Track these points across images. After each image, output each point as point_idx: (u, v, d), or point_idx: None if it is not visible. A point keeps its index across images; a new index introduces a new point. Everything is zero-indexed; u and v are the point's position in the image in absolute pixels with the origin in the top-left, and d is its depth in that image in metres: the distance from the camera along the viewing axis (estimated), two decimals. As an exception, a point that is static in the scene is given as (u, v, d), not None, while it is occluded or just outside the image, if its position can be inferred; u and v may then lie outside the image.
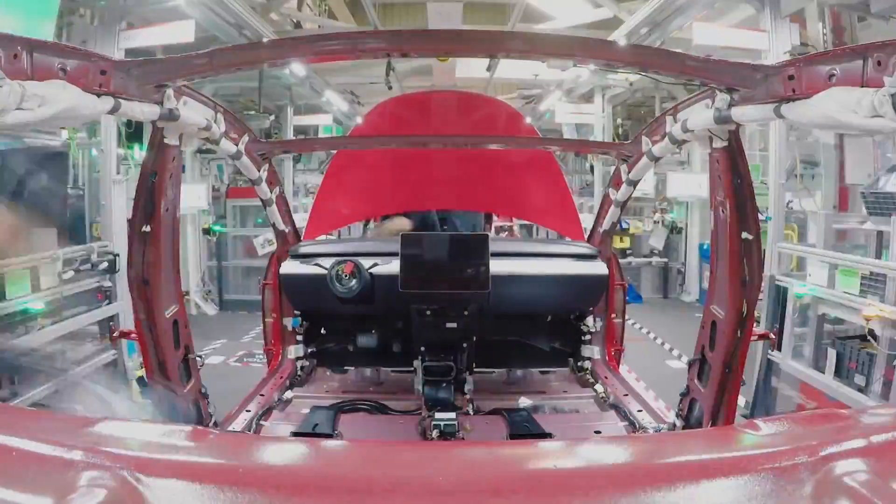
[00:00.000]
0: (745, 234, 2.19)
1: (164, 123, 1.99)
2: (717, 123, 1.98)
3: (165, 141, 2.12)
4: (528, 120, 9.95)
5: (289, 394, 3.60)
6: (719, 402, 2.40)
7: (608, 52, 1.83)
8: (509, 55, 1.86)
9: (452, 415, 3.04)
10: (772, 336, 2.56)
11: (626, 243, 12.37)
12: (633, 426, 3.08)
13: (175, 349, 2.38)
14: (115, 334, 2.50)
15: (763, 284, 2.38)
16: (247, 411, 3.18)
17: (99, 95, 1.61)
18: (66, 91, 1.45)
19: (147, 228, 2.16)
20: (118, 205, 5.79)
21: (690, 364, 2.64)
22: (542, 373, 4.04)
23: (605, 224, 3.71)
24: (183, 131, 2.16)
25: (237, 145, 2.74)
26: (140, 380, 2.35)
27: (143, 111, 1.84)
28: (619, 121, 13.19)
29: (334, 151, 3.38)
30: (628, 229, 12.31)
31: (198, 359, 2.60)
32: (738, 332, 2.31)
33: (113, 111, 1.67)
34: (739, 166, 2.12)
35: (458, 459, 1.13)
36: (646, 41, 6.70)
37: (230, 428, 2.91)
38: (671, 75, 1.86)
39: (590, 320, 3.94)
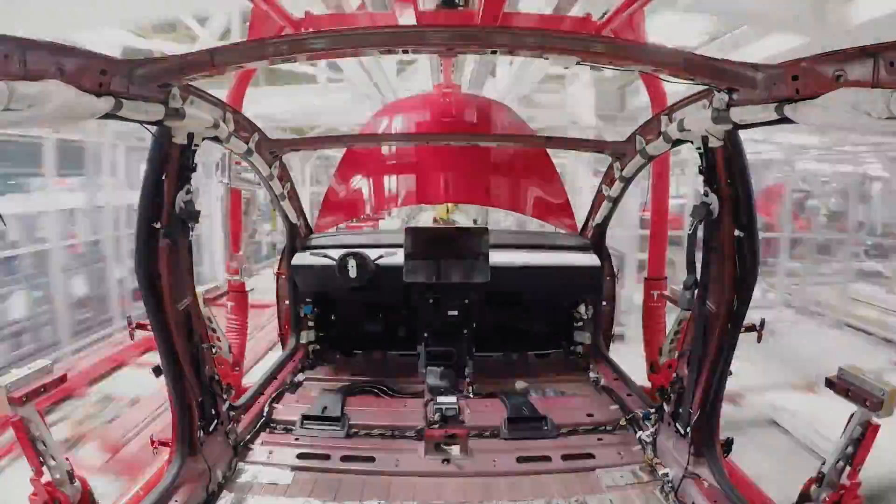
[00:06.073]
0: (737, 232, 2.04)
1: (170, 123, 1.83)
2: (716, 123, 1.81)
3: (174, 140, 1.97)
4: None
5: (300, 376, 3.50)
6: (709, 390, 2.27)
7: (611, 50, 1.65)
8: (513, 52, 1.68)
9: (454, 399, 2.93)
10: (758, 328, 2.39)
11: None
12: (623, 410, 2.96)
13: (188, 339, 2.25)
14: (132, 326, 2.35)
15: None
16: (260, 394, 3.07)
17: (99, 95, 1.45)
18: (60, 91, 1.28)
19: (157, 225, 2.01)
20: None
21: (680, 354, 2.50)
22: (537, 356, 3.92)
23: (598, 218, 3.56)
24: (191, 130, 2.00)
25: (247, 143, 2.58)
26: (156, 369, 2.21)
27: (147, 111, 1.67)
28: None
29: None
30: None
31: (212, 348, 2.46)
32: (729, 325, 2.16)
33: (114, 111, 1.50)
34: (736, 166, 1.95)
35: None
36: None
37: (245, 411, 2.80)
38: (673, 74, 1.67)
39: (582, 308, 3.82)
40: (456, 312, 3.58)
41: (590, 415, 2.95)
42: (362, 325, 3.91)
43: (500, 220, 12.49)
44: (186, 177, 2.08)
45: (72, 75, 1.37)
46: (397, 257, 3.52)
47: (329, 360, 3.85)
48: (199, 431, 2.27)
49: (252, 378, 3.56)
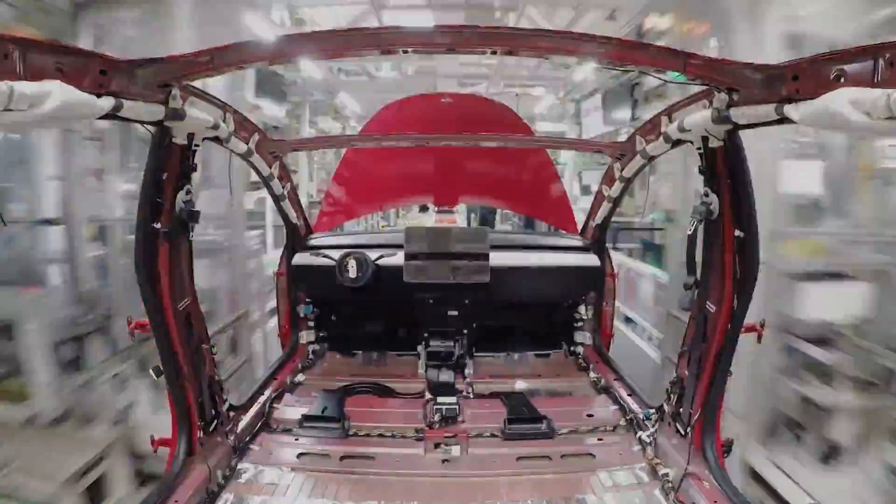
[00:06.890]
0: (738, 232, 2.04)
1: (170, 123, 1.83)
2: (716, 124, 1.81)
3: (174, 141, 1.97)
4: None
5: (300, 377, 3.50)
6: (709, 390, 2.27)
7: (610, 50, 1.65)
8: (512, 52, 1.68)
9: (453, 399, 2.93)
10: (759, 329, 2.38)
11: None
12: (623, 410, 2.96)
13: (189, 340, 2.25)
14: (131, 325, 2.34)
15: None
16: (260, 394, 3.07)
17: (99, 95, 1.45)
18: (60, 91, 1.27)
19: (157, 225, 2.01)
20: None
21: (681, 354, 2.49)
22: (537, 356, 3.92)
23: (598, 218, 3.56)
24: (191, 130, 2.00)
25: (247, 144, 2.59)
26: (156, 369, 2.21)
27: (148, 111, 1.67)
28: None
29: None
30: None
31: (212, 349, 2.46)
32: (729, 325, 2.16)
33: (114, 111, 1.50)
34: (737, 166, 1.95)
35: None
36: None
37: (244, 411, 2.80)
38: (674, 74, 1.67)
39: (582, 308, 3.82)
40: (456, 313, 3.58)
41: (590, 415, 2.94)
42: (362, 325, 3.91)
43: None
44: (187, 177, 2.08)
45: (72, 75, 1.37)
46: (397, 257, 3.52)
47: (329, 360, 3.86)
48: (200, 432, 2.27)
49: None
